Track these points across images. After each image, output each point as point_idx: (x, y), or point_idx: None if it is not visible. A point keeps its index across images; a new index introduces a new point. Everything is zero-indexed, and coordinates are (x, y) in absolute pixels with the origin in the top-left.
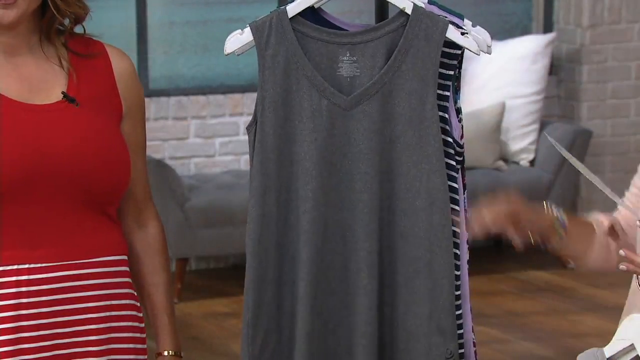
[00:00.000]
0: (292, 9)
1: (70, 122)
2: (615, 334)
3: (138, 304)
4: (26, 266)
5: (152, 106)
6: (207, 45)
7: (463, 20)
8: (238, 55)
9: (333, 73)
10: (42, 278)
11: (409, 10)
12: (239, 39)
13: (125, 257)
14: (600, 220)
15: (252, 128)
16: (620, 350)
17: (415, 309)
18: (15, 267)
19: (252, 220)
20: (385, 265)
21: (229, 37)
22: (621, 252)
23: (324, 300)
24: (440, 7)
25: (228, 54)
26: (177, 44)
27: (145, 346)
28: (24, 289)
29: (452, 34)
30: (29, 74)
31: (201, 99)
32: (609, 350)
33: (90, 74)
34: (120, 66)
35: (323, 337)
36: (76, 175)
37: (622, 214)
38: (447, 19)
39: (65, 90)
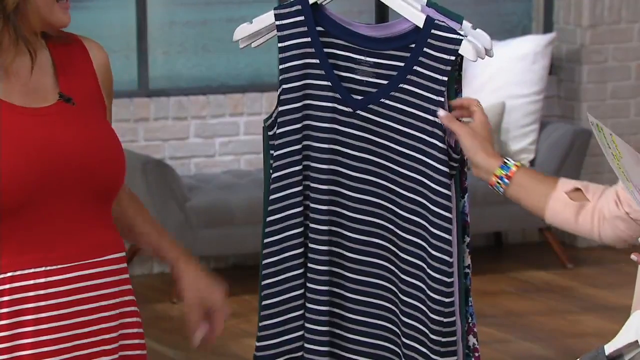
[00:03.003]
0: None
1: (71, 123)
2: (621, 330)
3: (135, 299)
4: (43, 269)
5: (152, 106)
6: (207, 45)
7: (462, 23)
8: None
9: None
10: (59, 280)
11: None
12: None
13: (124, 254)
14: (566, 181)
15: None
16: (624, 346)
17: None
18: (32, 270)
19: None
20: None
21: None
22: (633, 252)
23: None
24: (439, 10)
25: (256, 46)
26: (177, 44)
27: (144, 341)
28: (42, 291)
29: (465, 50)
30: (23, 77)
31: (201, 99)
32: (611, 346)
33: (75, 69)
34: (98, 56)
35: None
36: (84, 174)
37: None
38: (452, 28)
39: (59, 91)
